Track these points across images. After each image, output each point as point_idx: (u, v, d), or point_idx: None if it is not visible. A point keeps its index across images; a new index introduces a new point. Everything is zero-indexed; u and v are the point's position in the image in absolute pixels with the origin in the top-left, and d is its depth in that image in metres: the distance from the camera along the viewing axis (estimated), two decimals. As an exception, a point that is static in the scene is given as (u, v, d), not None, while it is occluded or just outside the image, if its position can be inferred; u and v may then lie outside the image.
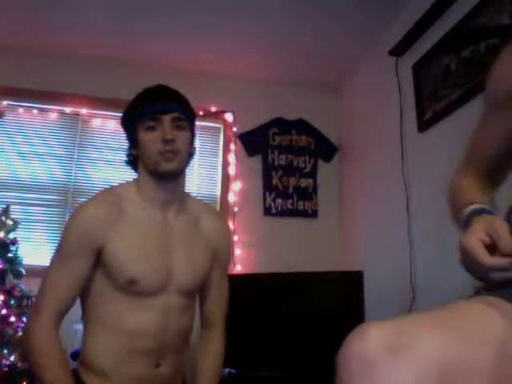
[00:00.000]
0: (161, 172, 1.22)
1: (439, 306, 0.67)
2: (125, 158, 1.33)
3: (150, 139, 1.20)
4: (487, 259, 0.68)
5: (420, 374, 0.54)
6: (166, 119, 1.21)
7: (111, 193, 1.27)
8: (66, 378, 1.11)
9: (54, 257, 1.21)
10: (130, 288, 1.16)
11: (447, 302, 0.68)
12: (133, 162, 1.31)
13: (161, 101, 1.22)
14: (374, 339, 0.58)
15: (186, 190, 1.36)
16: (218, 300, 1.39)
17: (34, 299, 2.15)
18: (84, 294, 1.23)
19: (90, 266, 1.18)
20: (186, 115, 1.26)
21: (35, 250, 2.63)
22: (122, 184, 1.34)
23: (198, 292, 1.34)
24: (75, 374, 1.20)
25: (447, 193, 0.95)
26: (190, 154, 1.30)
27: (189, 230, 1.30)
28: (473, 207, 0.80)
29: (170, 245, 1.24)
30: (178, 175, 1.26)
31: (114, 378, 1.17)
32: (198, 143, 3.04)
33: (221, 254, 1.38)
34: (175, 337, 1.23)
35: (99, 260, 1.19)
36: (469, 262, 0.71)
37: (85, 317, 1.26)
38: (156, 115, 1.20)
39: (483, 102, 0.96)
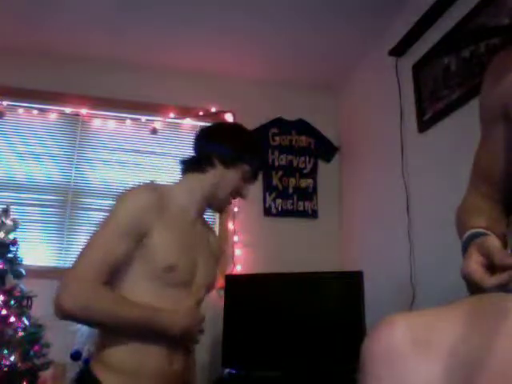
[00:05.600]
0: (217, 209, 1.47)
1: (458, 300, 0.66)
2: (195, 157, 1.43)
3: (239, 187, 1.39)
4: (487, 281, 0.67)
5: (446, 370, 0.54)
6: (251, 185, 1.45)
7: (158, 187, 1.34)
8: (140, 305, 1.19)
9: (100, 232, 1.22)
10: (166, 275, 1.22)
11: (466, 297, 0.67)
12: (196, 165, 1.38)
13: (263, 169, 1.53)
14: (401, 332, 0.57)
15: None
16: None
17: (33, 299, 2.15)
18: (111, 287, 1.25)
19: (132, 248, 1.21)
20: None
21: (35, 250, 2.63)
22: (165, 184, 1.44)
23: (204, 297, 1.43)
24: (88, 371, 1.23)
25: (455, 218, 0.94)
26: None
27: (207, 240, 1.45)
28: (468, 233, 0.80)
29: (196, 247, 1.35)
30: None
31: (130, 375, 1.19)
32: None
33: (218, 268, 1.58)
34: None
35: (139, 247, 1.22)
36: (471, 287, 0.71)
37: None
38: (257, 178, 1.45)
39: (479, 121, 0.95)
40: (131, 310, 1.18)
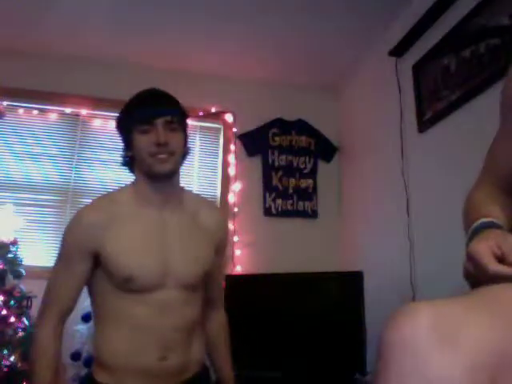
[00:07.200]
0: (155, 173, 1.26)
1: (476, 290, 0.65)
2: (121, 160, 1.37)
3: (144, 142, 1.23)
4: (492, 266, 0.67)
5: (472, 364, 0.53)
6: (159, 123, 1.23)
7: (106, 198, 1.32)
8: (45, 372, 1.19)
9: (55, 261, 1.28)
10: (127, 285, 1.21)
11: (484, 287, 0.66)
12: (129, 163, 1.35)
13: (153, 105, 1.25)
14: (426, 322, 0.55)
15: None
16: (219, 284, 1.50)
17: (33, 300, 2.15)
18: (91, 294, 1.31)
19: (88, 267, 1.24)
20: (178, 117, 1.28)
21: (35, 251, 2.63)
22: (120, 188, 1.38)
23: (201, 284, 1.36)
24: (91, 375, 1.27)
25: (462, 208, 0.92)
26: (184, 154, 1.34)
27: (187, 225, 1.33)
28: (483, 220, 0.79)
29: (167, 243, 1.27)
30: (172, 176, 1.30)
31: (120, 372, 1.22)
32: (197, 144, 3.04)
33: (220, 243, 1.43)
34: (176, 331, 1.25)
35: (99, 261, 1.24)
36: (473, 267, 0.70)
37: (94, 316, 1.33)
38: (149, 119, 1.23)
39: (499, 115, 0.94)
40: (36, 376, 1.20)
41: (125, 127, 1.29)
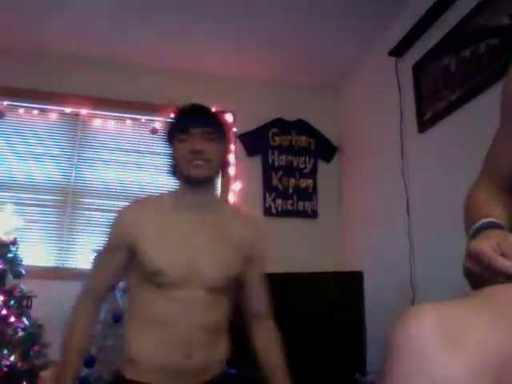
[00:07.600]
0: (191, 178, 1.36)
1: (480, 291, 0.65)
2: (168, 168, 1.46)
3: (182, 150, 1.35)
4: (502, 260, 0.67)
5: (477, 366, 0.53)
6: (196, 132, 1.35)
7: (144, 200, 1.47)
8: (73, 345, 1.31)
9: (99, 254, 1.46)
10: (156, 279, 1.29)
11: (487, 288, 0.66)
12: (174, 172, 1.45)
13: (192, 116, 1.40)
14: (431, 325, 0.55)
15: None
16: (263, 294, 1.52)
17: (33, 299, 2.16)
18: (126, 290, 1.46)
19: (125, 258, 1.36)
20: (214, 128, 1.39)
21: (35, 250, 2.63)
22: (162, 193, 1.53)
23: (231, 290, 1.41)
24: (118, 372, 1.33)
25: (463, 207, 0.93)
26: (223, 165, 1.46)
27: (218, 232, 1.41)
28: (485, 220, 0.80)
29: (197, 245, 1.35)
30: (206, 181, 1.40)
31: (144, 367, 1.27)
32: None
33: (255, 254, 1.48)
34: (201, 330, 1.30)
35: (134, 255, 1.34)
36: (476, 264, 0.70)
37: (125, 314, 1.43)
38: (187, 129, 1.36)
39: (500, 115, 0.94)
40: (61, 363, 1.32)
41: (168, 137, 1.43)
